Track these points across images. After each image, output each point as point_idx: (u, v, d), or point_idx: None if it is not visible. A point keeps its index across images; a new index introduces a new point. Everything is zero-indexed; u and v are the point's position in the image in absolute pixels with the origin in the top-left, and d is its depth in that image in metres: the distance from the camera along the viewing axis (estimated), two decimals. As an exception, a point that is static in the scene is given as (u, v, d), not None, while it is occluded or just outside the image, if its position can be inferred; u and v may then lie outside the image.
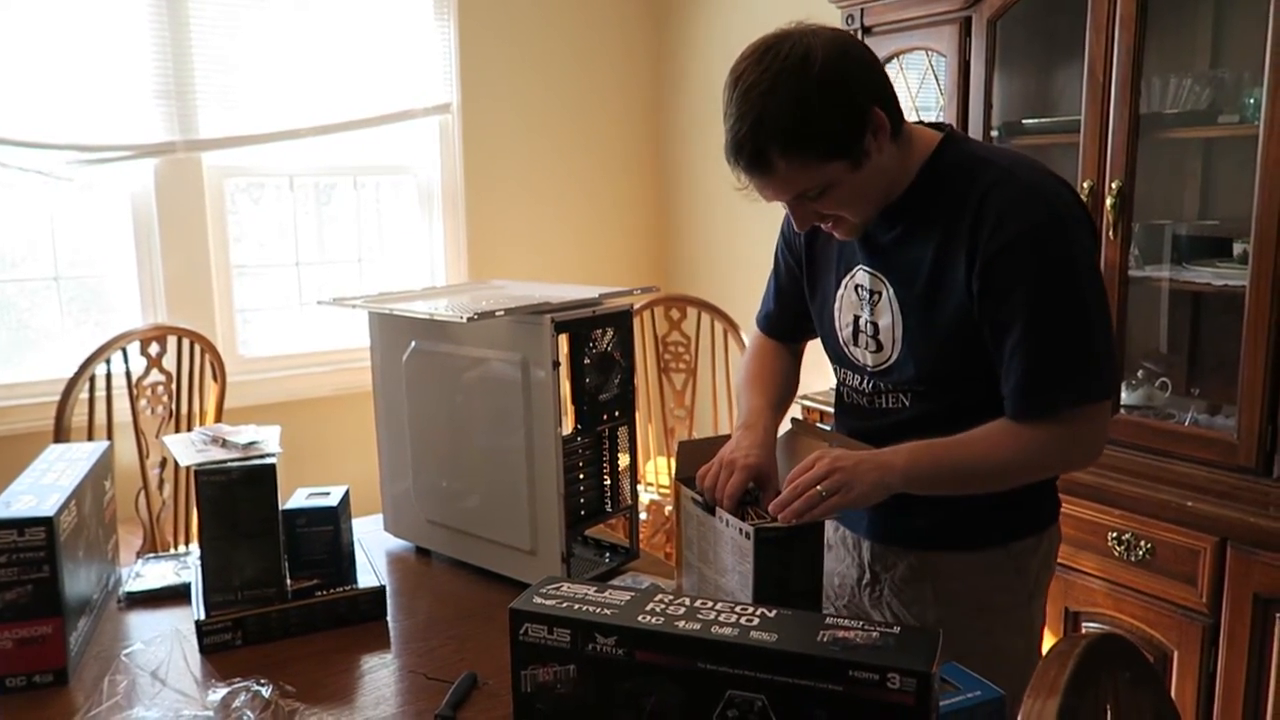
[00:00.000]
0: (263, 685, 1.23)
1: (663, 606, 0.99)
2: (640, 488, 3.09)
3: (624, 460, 1.66)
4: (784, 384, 1.55)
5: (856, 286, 1.37)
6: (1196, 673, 1.96)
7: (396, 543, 1.82)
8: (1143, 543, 2.02)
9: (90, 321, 3.02)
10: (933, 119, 2.47)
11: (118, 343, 2.54)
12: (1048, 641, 2.18)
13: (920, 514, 1.36)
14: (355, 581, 1.53)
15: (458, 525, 1.70)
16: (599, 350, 1.58)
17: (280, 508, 1.47)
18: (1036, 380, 1.22)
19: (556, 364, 1.50)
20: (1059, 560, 2.14)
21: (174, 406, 2.63)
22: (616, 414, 1.62)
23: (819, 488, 1.18)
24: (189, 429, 2.57)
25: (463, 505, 1.68)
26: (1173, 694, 1.99)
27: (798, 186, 1.22)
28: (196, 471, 1.41)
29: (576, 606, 1.00)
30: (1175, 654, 1.99)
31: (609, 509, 1.65)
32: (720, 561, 1.30)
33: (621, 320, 1.61)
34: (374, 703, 1.27)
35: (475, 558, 1.68)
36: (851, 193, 1.23)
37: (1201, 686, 1.96)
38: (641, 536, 1.75)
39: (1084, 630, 2.16)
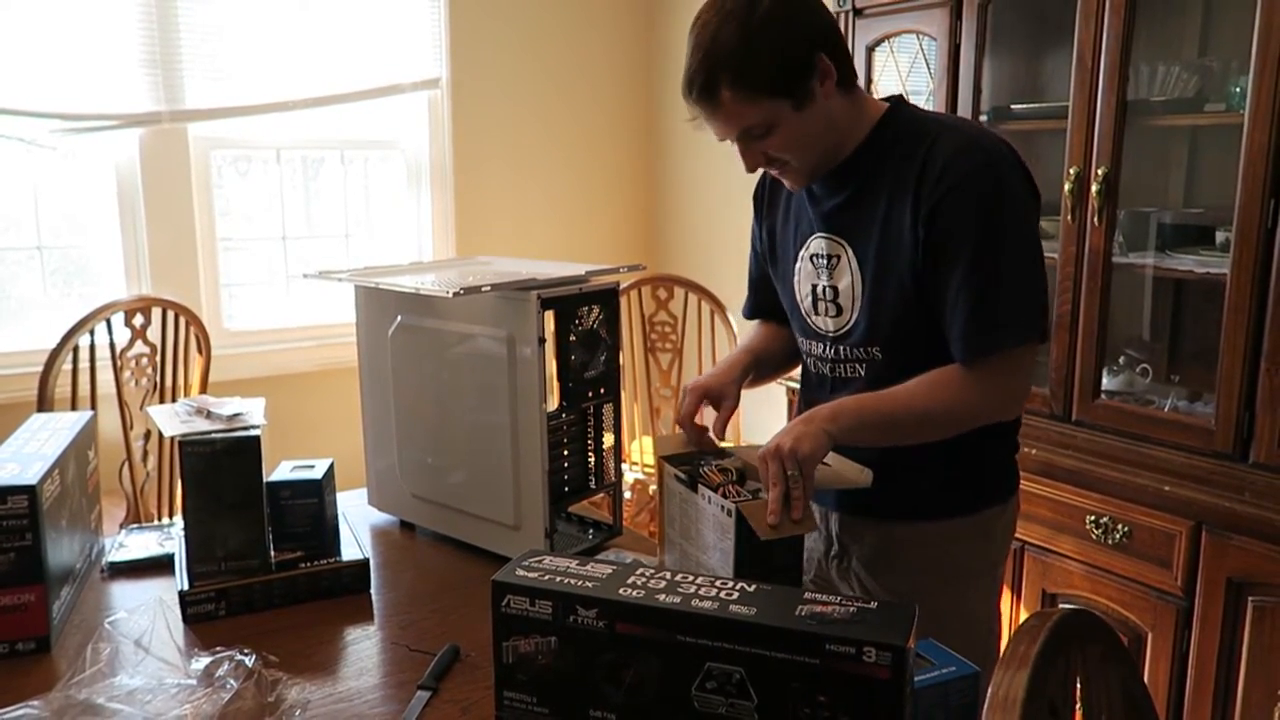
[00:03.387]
0: (246, 655, 1.23)
1: (644, 580, 1.01)
2: (625, 467, 3.10)
3: (609, 440, 1.67)
4: (764, 336, 1.62)
5: (812, 256, 1.41)
6: (1170, 654, 1.99)
7: (380, 516, 1.83)
8: (1120, 526, 2.05)
9: (74, 294, 3.00)
10: (923, 102, 2.51)
11: (101, 313, 2.52)
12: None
13: (889, 485, 1.38)
14: (339, 554, 1.54)
15: (442, 500, 1.70)
16: (585, 327, 1.58)
17: (264, 480, 1.47)
18: (981, 319, 1.26)
19: (542, 340, 1.50)
20: (1037, 542, 2.18)
21: (158, 379, 2.62)
22: (601, 391, 1.63)
23: (788, 474, 1.19)
24: (173, 401, 2.56)
25: (447, 480, 1.68)
26: (1146, 675, 2.02)
27: (744, 120, 1.27)
28: (181, 442, 1.41)
29: (558, 579, 1.01)
30: (1150, 635, 2.02)
31: (593, 485, 1.65)
32: (702, 538, 1.31)
33: (608, 298, 1.61)
34: (357, 673, 1.28)
35: (459, 532, 1.69)
36: (796, 134, 1.29)
37: (1174, 668, 1.99)
38: (626, 515, 1.76)
39: (1060, 612, 2.19)
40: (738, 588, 0.99)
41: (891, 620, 0.91)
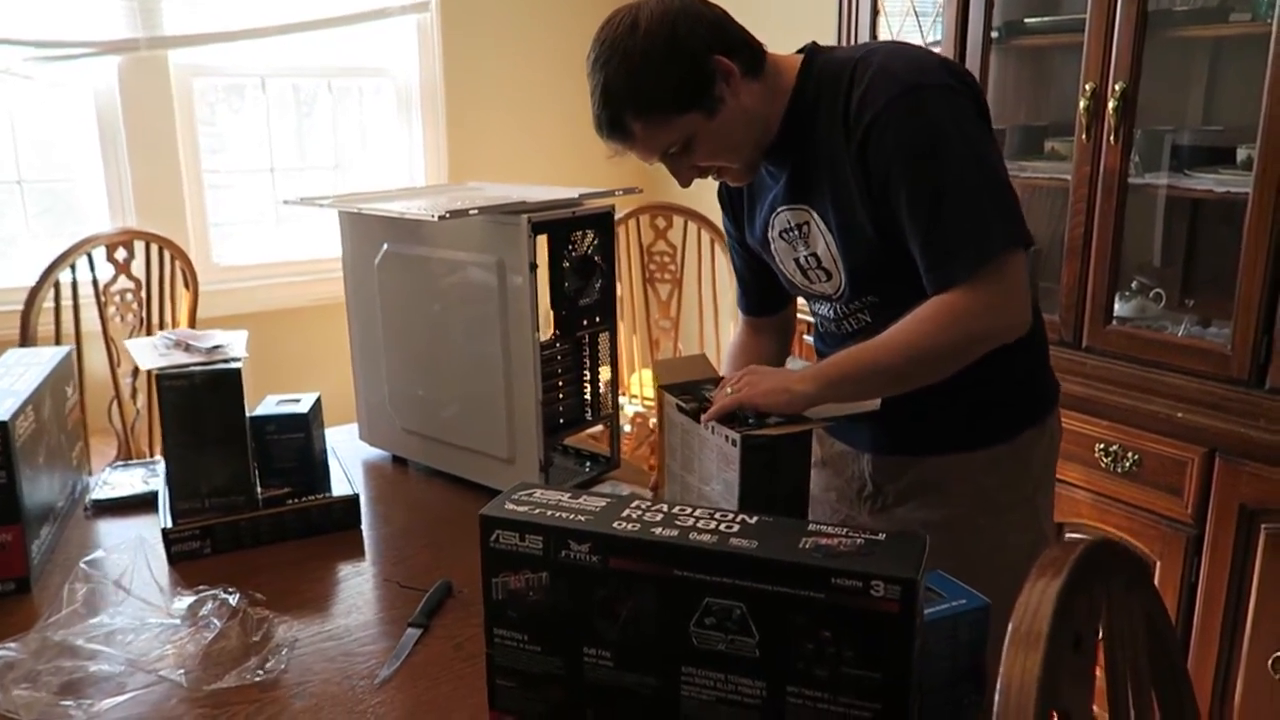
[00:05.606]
0: (230, 593, 1.20)
1: (639, 513, 0.96)
2: (624, 400, 3.06)
3: (605, 370, 1.61)
4: (744, 349, 1.57)
5: (782, 233, 1.36)
6: (1178, 583, 1.96)
7: (373, 452, 1.79)
8: (1130, 454, 2.00)
9: (58, 232, 2.91)
10: (931, 21, 2.40)
11: (82, 247, 2.45)
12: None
13: (921, 420, 1.35)
14: (329, 490, 1.50)
15: (434, 434, 1.66)
16: (579, 253, 1.52)
17: (248, 414, 1.42)
18: (934, 253, 1.20)
19: (534, 266, 1.44)
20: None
21: (144, 315, 2.56)
22: (597, 320, 1.57)
23: (728, 389, 1.23)
24: (161, 338, 2.51)
25: (439, 413, 1.64)
26: (1153, 604, 1.99)
27: (659, 144, 1.25)
28: (158, 376, 1.36)
29: (549, 513, 0.96)
30: (1158, 564, 1.99)
31: (589, 417, 1.60)
32: (705, 469, 1.27)
33: (603, 222, 1.55)
34: (346, 610, 1.25)
35: (452, 466, 1.65)
36: (717, 141, 1.25)
37: (1182, 597, 1.96)
38: (625, 449, 1.71)
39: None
40: (738, 520, 0.94)
41: (901, 552, 0.86)
